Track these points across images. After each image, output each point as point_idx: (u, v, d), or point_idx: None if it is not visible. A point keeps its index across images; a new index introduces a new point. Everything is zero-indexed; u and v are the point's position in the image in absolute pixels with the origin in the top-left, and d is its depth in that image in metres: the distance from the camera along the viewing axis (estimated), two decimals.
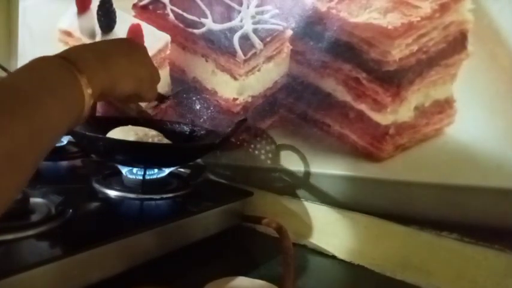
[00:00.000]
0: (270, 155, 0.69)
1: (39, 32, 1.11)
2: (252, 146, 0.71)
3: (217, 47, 0.73)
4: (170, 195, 0.60)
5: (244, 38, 0.70)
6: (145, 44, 0.71)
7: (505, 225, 0.48)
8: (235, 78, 0.72)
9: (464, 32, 0.50)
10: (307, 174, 0.65)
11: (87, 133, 0.58)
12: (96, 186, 0.59)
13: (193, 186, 0.64)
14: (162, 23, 0.81)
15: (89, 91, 0.35)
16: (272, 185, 0.69)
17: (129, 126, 0.64)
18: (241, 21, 0.70)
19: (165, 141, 0.64)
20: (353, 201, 0.60)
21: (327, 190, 0.63)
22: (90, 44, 0.45)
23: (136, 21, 0.85)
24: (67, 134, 0.37)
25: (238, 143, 0.73)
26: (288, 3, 0.65)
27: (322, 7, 0.61)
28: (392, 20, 0.54)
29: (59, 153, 0.76)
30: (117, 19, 0.89)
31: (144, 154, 0.58)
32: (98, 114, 0.91)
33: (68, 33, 1.00)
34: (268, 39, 0.67)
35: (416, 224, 0.54)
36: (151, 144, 0.60)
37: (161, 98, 0.61)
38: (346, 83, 0.60)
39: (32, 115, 0.29)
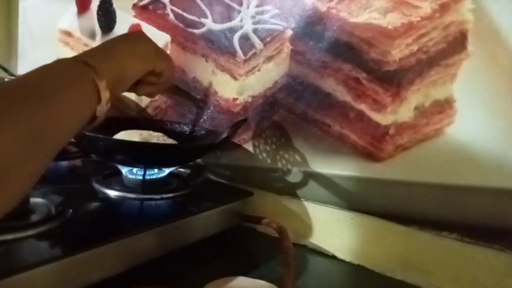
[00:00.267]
0: (270, 155, 0.69)
1: (39, 32, 1.11)
2: (252, 146, 0.71)
3: (217, 47, 0.73)
4: (170, 195, 0.60)
5: (244, 38, 0.70)
6: None
7: (505, 225, 0.48)
8: (235, 78, 0.72)
9: (464, 32, 0.50)
10: (307, 174, 0.65)
11: (87, 133, 0.58)
12: (96, 186, 0.59)
13: (193, 186, 0.64)
14: (162, 23, 0.81)
15: (102, 83, 0.37)
16: (272, 185, 0.69)
17: (134, 131, 0.64)
18: (241, 21, 0.70)
19: (170, 141, 0.64)
20: (353, 201, 0.60)
21: (327, 190, 0.63)
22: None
23: (136, 21, 0.85)
24: (85, 130, 0.40)
25: (238, 143, 0.73)
26: (288, 3, 0.65)
27: (322, 7, 0.61)
28: (392, 20, 0.54)
29: (59, 153, 0.76)
30: (117, 19, 0.89)
31: (144, 154, 0.58)
32: None
33: (68, 33, 1.00)
34: (268, 39, 0.67)
35: (416, 224, 0.54)
36: (151, 144, 0.60)
37: (198, 104, 0.63)
38: (346, 83, 0.60)
39: (49, 104, 0.31)
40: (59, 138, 0.33)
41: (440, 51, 0.52)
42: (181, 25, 0.78)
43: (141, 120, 0.72)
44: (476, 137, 0.50)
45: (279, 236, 0.59)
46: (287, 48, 0.66)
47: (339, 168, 0.61)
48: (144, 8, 0.84)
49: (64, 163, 0.75)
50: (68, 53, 0.98)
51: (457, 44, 0.51)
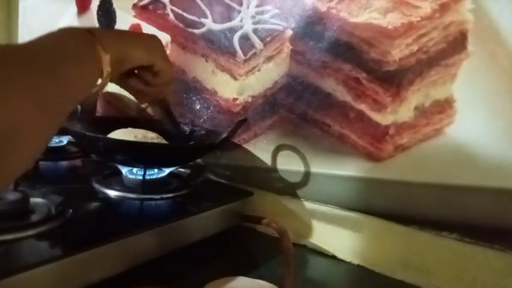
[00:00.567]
0: (270, 155, 0.69)
1: (39, 31, 1.09)
2: (252, 146, 0.71)
3: (217, 47, 0.73)
4: (170, 195, 0.60)
5: (244, 38, 0.70)
6: None
7: (505, 225, 0.48)
8: (235, 78, 0.72)
9: (464, 32, 0.50)
10: (307, 174, 0.65)
11: (87, 133, 0.58)
12: (96, 186, 0.59)
13: (193, 186, 0.64)
14: (162, 23, 0.81)
15: (107, 57, 0.39)
16: (272, 185, 0.69)
17: (129, 129, 0.64)
18: (241, 21, 0.70)
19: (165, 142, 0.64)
20: (353, 201, 0.60)
21: (327, 190, 0.63)
22: None
23: (136, 21, 0.85)
24: (83, 104, 0.41)
25: (238, 143, 0.73)
26: (288, 3, 0.65)
27: (322, 7, 0.61)
28: (392, 20, 0.54)
29: (59, 153, 0.76)
30: (117, 19, 0.89)
31: (144, 154, 0.58)
32: (98, 114, 0.92)
33: None
34: (268, 39, 0.67)
35: (416, 224, 0.54)
36: (151, 144, 0.60)
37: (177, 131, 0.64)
38: (346, 83, 0.60)
39: (55, 71, 0.32)
40: (67, 104, 0.34)
41: (440, 51, 0.52)
42: (181, 25, 0.78)
43: (141, 120, 0.72)
44: (476, 137, 0.50)
45: (279, 236, 0.59)
46: (287, 48, 0.66)
47: (338, 168, 0.61)
48: (144, 8, 0.84)
49: (64, 163, 0.75)
50: None
51: (457, 44, 0.51)
